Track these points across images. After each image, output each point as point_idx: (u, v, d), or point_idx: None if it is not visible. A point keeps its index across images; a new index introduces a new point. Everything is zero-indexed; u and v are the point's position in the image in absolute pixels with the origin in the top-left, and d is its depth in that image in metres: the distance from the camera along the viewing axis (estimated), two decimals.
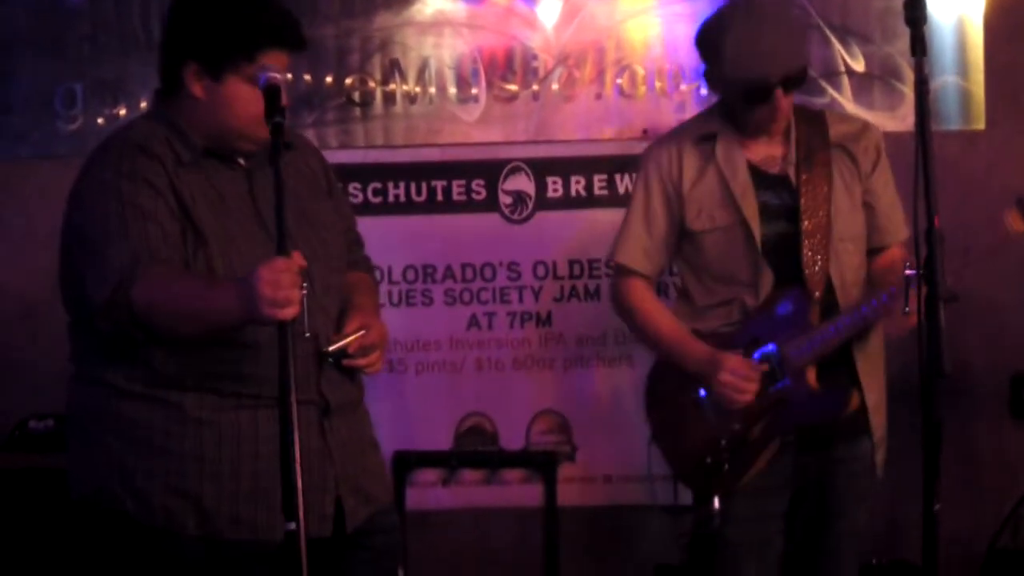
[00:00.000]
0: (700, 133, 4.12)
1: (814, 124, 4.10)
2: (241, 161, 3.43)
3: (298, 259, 3.04)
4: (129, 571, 3.39)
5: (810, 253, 3.97)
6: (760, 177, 4.05)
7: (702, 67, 4.10)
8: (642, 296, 4.18)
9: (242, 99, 3.34)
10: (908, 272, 3.13)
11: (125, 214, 3.26)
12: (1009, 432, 5.46)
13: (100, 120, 5.56)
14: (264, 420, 3.30)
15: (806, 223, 3.98)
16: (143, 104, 5.51)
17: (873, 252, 4.12)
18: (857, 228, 4.08)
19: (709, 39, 4.01)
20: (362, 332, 3.41)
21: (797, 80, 3.97)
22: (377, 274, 5.25)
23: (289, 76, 5.14)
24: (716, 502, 4.02)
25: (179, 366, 3.30)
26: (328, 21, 5.47)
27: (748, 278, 4.01)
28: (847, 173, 4.07)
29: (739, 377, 3.94)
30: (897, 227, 4.11)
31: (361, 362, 3.43)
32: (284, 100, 3.23)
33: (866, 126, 4.19)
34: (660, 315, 4.15)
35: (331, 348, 3.37)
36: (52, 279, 5.45)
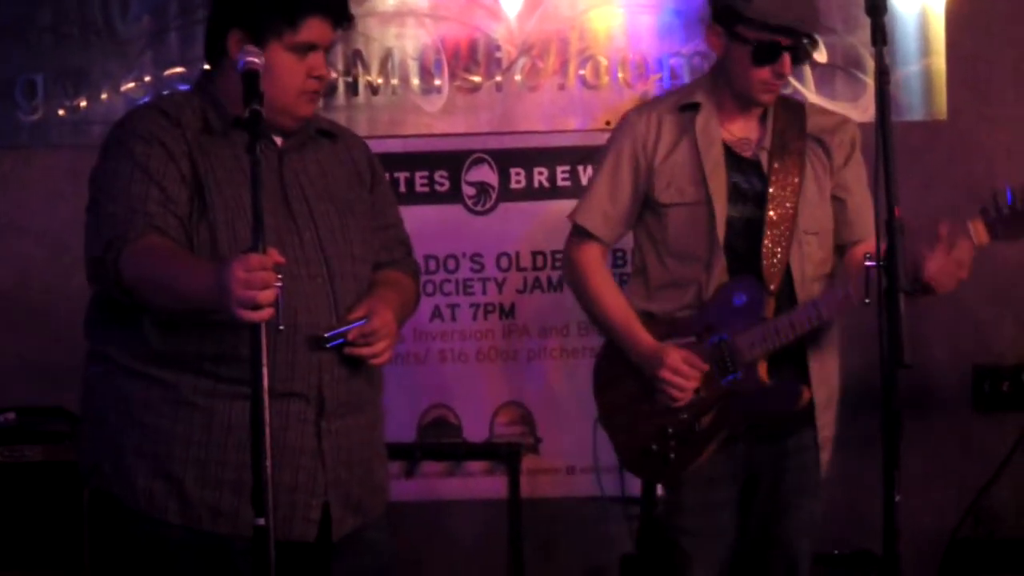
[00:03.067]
0: (683, 102, 4.09)
1: (793, 113, 4.09)
2: (278, 140, 3.42)
3: (274, 255, 3.00)
4: (116, 554, 3.39)
5: (770, 244, 3.96)
6: (733, 158, 4.04)
7: (707, 19, 4.05)
8: (595, 268, 4.15)
9: (283, 68, 3.33)
10: (867, 263, 3.13)
11: (132, 174, 3.28)
12: (970, 423, 5.48)
13: (61, 111, 5.53)
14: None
15: (772, 212, 3.97)
16: (104, 95, 5.49)
17: (844, 247, 4.10)
18: (823, 222, 4.06)
19: None
20: (363, 320, 3.33)
21: (807, 51, 3.97)
22: None
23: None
24: (659, 490, 4.03)
25: (178, 345, 3.28)
26: None
27: (704, 259, 3.99)
28: (819, 165, 4.06)
29: (680, 375, 3.94)
30: (869, 222, 4.07)
31: (364, 351, 3.34)
32: (316, 86, 3.37)
33: (844, 120, 4.19)
34: (611, 295, 4.13)
35: (327, 335, 3.31)
36: (12, 270, 5.49)
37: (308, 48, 3.37)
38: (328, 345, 3.32)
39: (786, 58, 3.91)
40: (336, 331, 3.32)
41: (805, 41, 3.93)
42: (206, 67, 3.53)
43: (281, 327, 3.02)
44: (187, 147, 3.32)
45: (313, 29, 3.36)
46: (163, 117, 3.36)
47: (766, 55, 3.90)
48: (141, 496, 3.30)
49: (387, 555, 3.57)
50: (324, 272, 3.36)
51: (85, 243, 3.34)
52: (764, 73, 3.93)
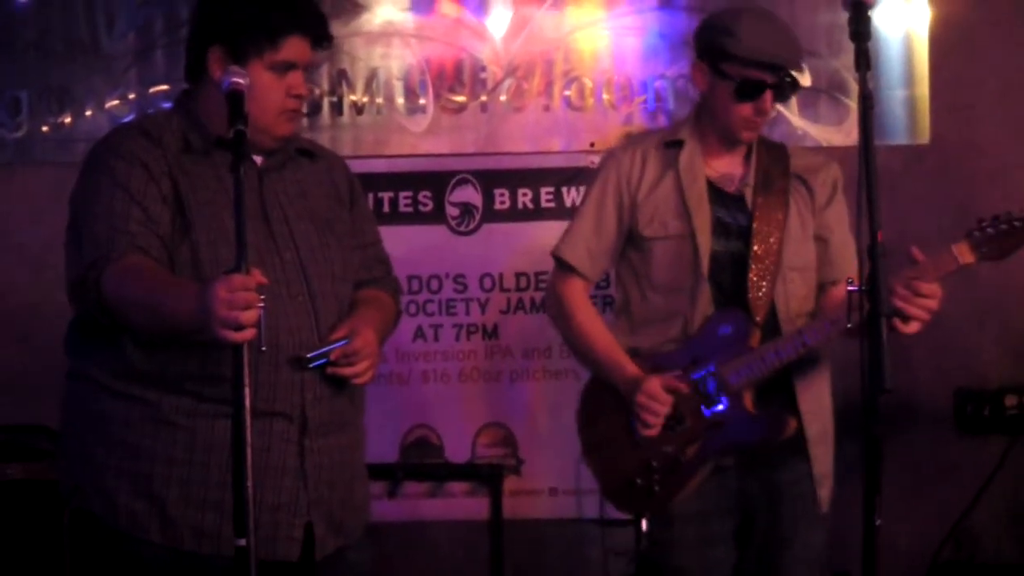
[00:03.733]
0: (668, 139, 4.10)
1: (776, 153, 4.10)
2: (257, 159, 3.42)
3: (257, 276, 3.00)
4: (97, 574, 3.37)
5: (755, 278, 3.96)
6: (717, 193, 4.03)
7: (692, 58, 4.04)
8: (579, 300, 4.15)
9: (263, 87, 3.32)
10: (850, 288, 3.13)
11: (114, 194, 3.27)
12: (952, 445, 5.49)
13: (45, 128, 5.52)
14: None
15: (756, 247, 3.97)
16: (88, 112, 5.49)
17: (824, 286, 4.08)
18: (807, 259, 4.06)
19: (720, 23, 3.96)
20: (344, 341, 3.33)
21: (790, 88, 3.97)
22: None
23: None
24: (644, 524, 4.02)
25: (160, 365, 3.27)
26: None
27: (688, 291, 3.99)
28: (802, 204, 4.06)
29: (655, 400, 3.94)
30: (849, 263, 4.05)
31: (347, 371, 3.34)
32: (296, 105, 3.37)
33: (827, 161, 4.18)
34: (594, 327, 4.12)
35: (309, 355, 3.31)
36: None
37: (288, 67, 3.37)
38: (310, 366, 3.32)
39: (768, 95, 3.93)
40: (318, 352, 3.32)
41: (787, 80, 3.95)
42: (186, 86, 3.53)
43: (264, 348, 3.03)
44: (168, 167, 3.32)
45: (293, 48, 3.36)
46: (144, 137, 3.36)
47: (749, 91, 3.92)
48: (123, 515, 3.29)
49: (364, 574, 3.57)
50: (305, 291, 3.36)
51: (66, 263, 3.34)
52: (746, 110, 3.95)
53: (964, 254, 3.81)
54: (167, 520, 3.27)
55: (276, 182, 3.44)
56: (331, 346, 3.33)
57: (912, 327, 3.74)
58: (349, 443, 3.48)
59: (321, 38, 3.44)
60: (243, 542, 2.92)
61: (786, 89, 3.97)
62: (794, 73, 3.98)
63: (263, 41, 3.33)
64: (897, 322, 3.69)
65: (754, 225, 3.98)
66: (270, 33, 3.33)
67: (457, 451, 5.48)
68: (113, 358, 3.31)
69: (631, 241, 4.08)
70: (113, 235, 3.24)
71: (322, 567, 3.40)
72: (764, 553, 4.06)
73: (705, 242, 3.97)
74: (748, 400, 3.94)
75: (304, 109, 3.55)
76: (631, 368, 4.00)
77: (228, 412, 3.06)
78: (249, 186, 3.31)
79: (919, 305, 3.73)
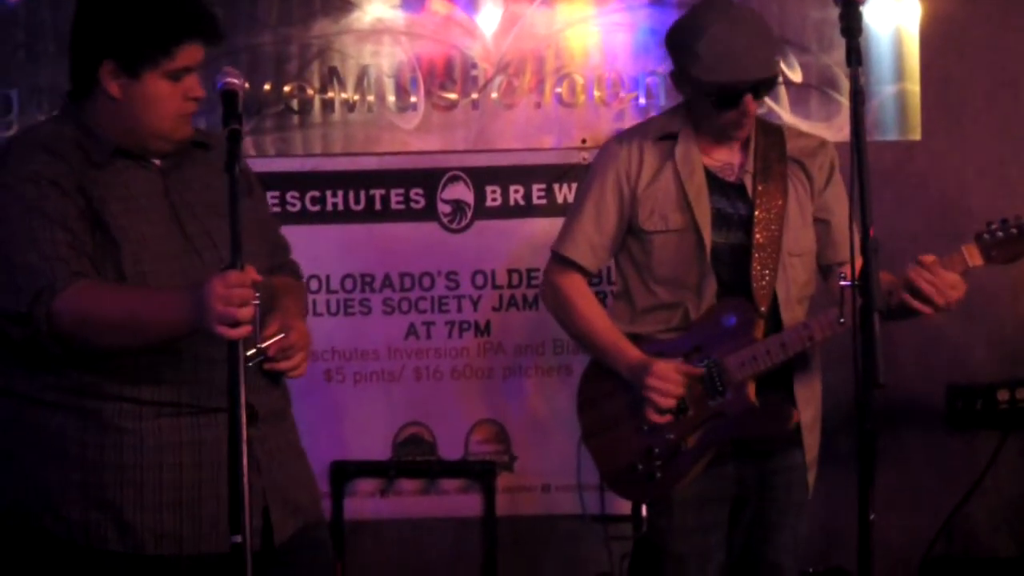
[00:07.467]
0: (662, 132, 4.08)
1: (773, 136, 4.08)
2: (156, 161, 3.36)
3: (252, 273, 2.99)
4: None
5: (759, 267, 3.95)
6: (716, 183, 4.02)
7: (669, 68, 4.04)
8: (580, 291, 4.15)
9: (162, 96, 3.27)
10: (843, 283, 3.14)
11: (31, 220, 3.17)
12: (943, 441, 5.50)
13: None
14: (186, 428, 3.25)
15: (759, 236, 3.96)
16: None
17: (830, 268, 4.08)
18: (806, 244, 4.06)
19: (682, 40, 3.94)
20: (281, 335, 3.31)
21: (767, 86, 3.96)
22: (315, 283, 5.28)
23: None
24: (644, 510, 4.02)
25: (95, 373, 3.22)
26: (266, 28, 5.43)
27: (694, 284, 3.98)
28: (801, 188, 4.05)
29: (667, 381, 3.93)
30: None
31: (283, 365, 3.34)
32: (193, 107, 3.32)
33: (823, 142, 4.17)
34: (596, 314, 4.12)
35: (248, 352, 3.25)
36: None
37: (184, 72, 3.30)
38: (250, 364, 3.29)
39: (748, 99, 3.90)
40: (256, 348, 3.28)
41: (765, 79, 3.92)
42: (70, 95, 3.42)
43: (259, 345, 3.03)
44: (76, 181, 3.23)
45: (188, 54, 3.29)
46: (45, 152, 3.26)
47: (727, 102, 3.91)
48: (76, 529, 3.24)
49: (325, 551, 3.58)
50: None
51: None
52: (730, 115, 3.94)
53: (974, 256, 3.82)
54: (125, 526, 3.23)
55: (178, 181, 3.38)
56: (268, 342, 3.31)
57: (927, 309, 3.76)
58: (288, 428, 3.51)
59: (214, 38, 3.35)
60: (239, 538, 2.92)
61: (764, 87, 3.95)
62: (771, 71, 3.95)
63: (157, 52, 3.25)
64: (911, 298, 3.72)
65: (756, 214, 3.98)
66: (164, 44, 3.26)
67: (450, 448, 5.48)
68: (44, 371, 3.24)
69: (631, 232, 4.08)
70: (48, 264, 3.14)
71: (287, 549, 3.39)
72: (751, 537, 4.08)
73: (707, 235, 3.97)
74: (751, 392, 3.94)
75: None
76: (635, 352, 4.00)
77: (171, 411, 3.18)
78: (154, 191, 3.32)
79: (944, 293, 3.74)
